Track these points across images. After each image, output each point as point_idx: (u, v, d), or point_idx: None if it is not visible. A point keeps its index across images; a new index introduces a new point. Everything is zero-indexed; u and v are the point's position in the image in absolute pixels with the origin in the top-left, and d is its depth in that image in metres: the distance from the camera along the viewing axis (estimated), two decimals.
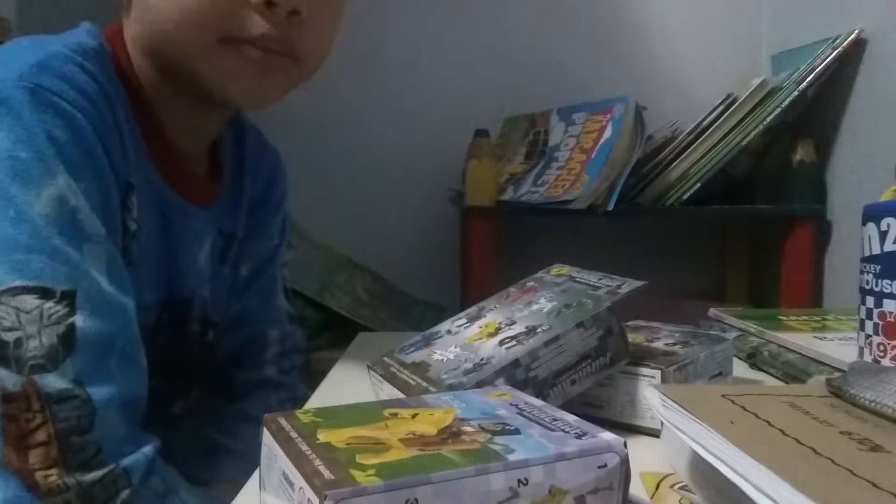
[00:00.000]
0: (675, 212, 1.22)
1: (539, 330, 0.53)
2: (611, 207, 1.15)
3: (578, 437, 0.37)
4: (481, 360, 0.51)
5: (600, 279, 0.58)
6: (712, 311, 0.89)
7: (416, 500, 0.32)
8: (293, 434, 0.37)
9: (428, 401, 0.43)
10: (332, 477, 0.32)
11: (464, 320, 0.60)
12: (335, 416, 0.40)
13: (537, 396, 0.49)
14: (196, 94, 0.63)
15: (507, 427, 0.38)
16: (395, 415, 0.40)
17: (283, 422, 0.39)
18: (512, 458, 0.35)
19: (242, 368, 0.81)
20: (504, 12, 1.50)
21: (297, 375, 0.86)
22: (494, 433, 0.38)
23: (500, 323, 0.56)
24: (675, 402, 0.41)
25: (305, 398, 0.66)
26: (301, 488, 0.32)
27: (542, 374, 0.51)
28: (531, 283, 0.63)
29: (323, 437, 0.37)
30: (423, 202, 1.51)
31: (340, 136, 1.52)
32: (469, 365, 0.51)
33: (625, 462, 0.37)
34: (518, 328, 0.54)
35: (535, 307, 0.57)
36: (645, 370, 0.55)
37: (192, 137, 0.69)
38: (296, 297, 1.27)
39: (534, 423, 0.39)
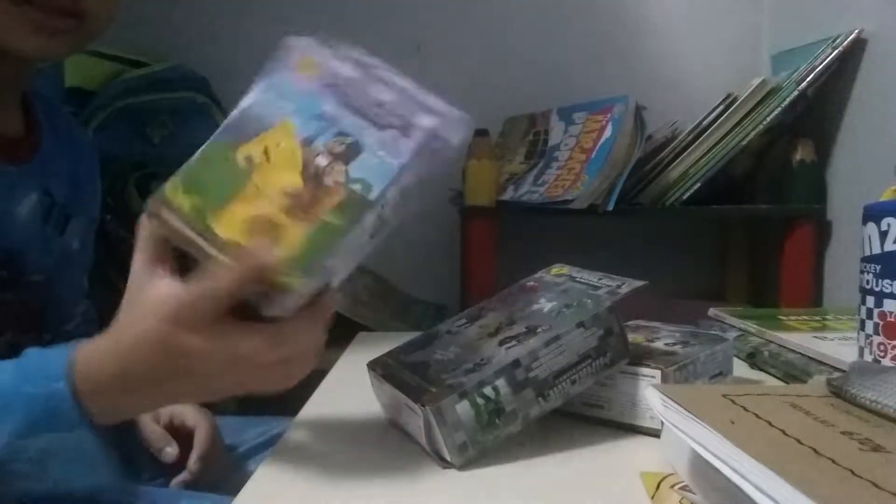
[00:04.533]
0: (675, 212, 1.22)
1: (539, 330, 0.53)
2: (611, 207, 1.15)
3: (405, 133, 0.43)
4: (481, 359, 0.51)
5: (600, 279, 0.58)
6: (712, 311, 0.89)
7: (330, 272, 0.43)
8: (182, 225, 0.43)
9: (261, 121, 0.45)
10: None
11: (464, 320, 0.60)
12: (201, 185, 0.43)
13: (538, 396, 0.50)
14: None
15: (350, 144, 0.43)
16: (250, 161, 0.44)
17: (165, 214, 0.43)
18: (372, 196, 0.42)
19: (45, 332, 0.79)
20: (504, 12, 1.50)
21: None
22: (345, 159, 0.43)
23: (500, 323, 0.56)
24: (676, 402, 0.41)
25: None
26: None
27: (542, 374, 0.51)
28: (531, 283, 0.63)
29: (217, 228, 0.42)
30: (423, 202, 1.50)
31: None
32: (469, 365, 0.51)
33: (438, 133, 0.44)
34: (518, 328, 0.54)
35: (535, 307, 0.57)
36: (645, 370, 0.55)
37: None
38: None
39: (363, 122, 0.43)
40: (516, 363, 0.50)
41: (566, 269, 0.63)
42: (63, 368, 0.47)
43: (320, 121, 0.44)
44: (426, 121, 0.43)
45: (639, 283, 0.56)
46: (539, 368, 0.51)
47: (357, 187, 0.41)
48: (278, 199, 0.42)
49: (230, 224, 0.41)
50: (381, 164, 0.42)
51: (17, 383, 0.47)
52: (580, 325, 0.52)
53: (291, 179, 0.42)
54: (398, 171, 0.42)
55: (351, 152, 0.43)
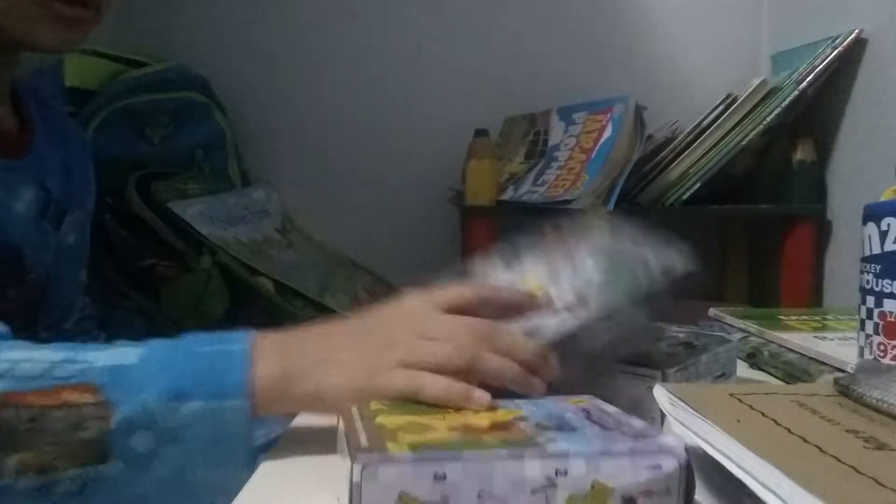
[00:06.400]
0: (675, 212, 1.22)
1: (591, 301, 0.53)
2: (611, 207, 1.15)
3: (635, 438, 0.37)
4: (535, 327, 0.52)
5: (643, 245, 0.58)
6: (712, 311, 0.89)
7: (445, 474, 0.33)
8: (356, 415, 0.40)
9: (499, 403, 0.44)
10: (367, 445, 0.34)
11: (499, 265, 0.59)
12: (401, 407, 0.42)
13: (587, 367, 0.50)
14: None
15: (565, 426, 0.38)
16: (459, 410, 0.42)
17: (353, 409, 0.42)
18: (552, 448, 0.35)
19: (43, 330, 0.79)
20: (504, 12, 1.50)
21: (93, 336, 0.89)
22: (548, 429, 0.37)
23: (544, 284, 0.55)
24: (683, 400, 0.41)
25: None
26: (348, 460, 0.34)
27: (596, 347, 0.52)
28: (569, 238, 0.60)
29: (380, 419, 0.39)
30: (423, 202, 1.50)
31: (340, 137, 1.52)
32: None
33: (685, 468, 0.36)
34: (567, 297, 0.53)
35: (580, 270, 0.56)
36: (646, 371, 0.55)
37: None
38: (296, 297, 1.27)
39: (595, 425, 0.39)
40: (572, 336, 0.51)
41: (605, 223, 0.62)
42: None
43: (552, 416, 0.40)
44: (671, 440, 0.37)
45: (687, 262, 0.57)
46: (591, 342, 0.52)
47: (540, 440, 0.36)
48: (453, 423, 0.40)
49: (389, 420, 0.40)
50: (584, 439, 0.36)
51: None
52: (634, 301, 0.54)
53: (479, 422, 0.40)
54: (599, 450, 0.35)
55: (561, 428, 0.38)
